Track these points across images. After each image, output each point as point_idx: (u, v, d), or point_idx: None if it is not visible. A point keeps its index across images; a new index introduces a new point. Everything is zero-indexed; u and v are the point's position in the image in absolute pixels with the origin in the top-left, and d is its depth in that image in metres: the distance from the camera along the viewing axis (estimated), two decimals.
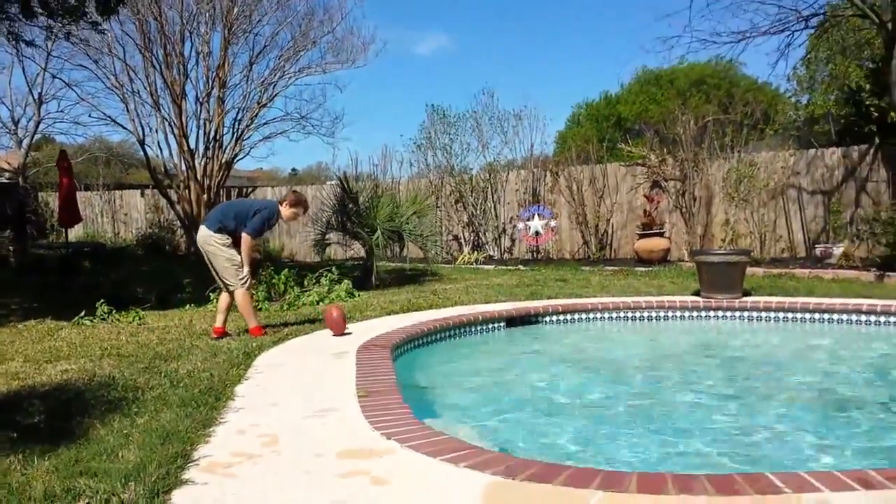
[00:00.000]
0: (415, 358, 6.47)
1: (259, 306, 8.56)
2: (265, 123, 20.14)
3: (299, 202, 7.14)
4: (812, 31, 13.84)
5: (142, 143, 18.71)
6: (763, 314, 7.98)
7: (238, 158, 19.75)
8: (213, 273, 6.87)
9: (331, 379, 5.02)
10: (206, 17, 17.92)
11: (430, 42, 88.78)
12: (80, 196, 19.48)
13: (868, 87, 14.09)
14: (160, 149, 18.56)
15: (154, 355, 5.98)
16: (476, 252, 16.38)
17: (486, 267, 14.49)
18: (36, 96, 22.69)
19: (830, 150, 13.28)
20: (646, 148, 14.99)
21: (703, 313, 8.16)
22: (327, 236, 11.82)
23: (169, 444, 3.57)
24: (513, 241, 16.59)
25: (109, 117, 19.66)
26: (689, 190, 13.92)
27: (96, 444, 3.61)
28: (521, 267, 13.95)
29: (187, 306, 9.17)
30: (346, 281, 9.97)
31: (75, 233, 20.15)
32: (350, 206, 11.37)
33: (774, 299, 8.19)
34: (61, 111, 23.73)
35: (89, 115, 25.27)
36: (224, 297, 6.92)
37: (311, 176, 40.51)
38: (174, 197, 18.68)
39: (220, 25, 17.92)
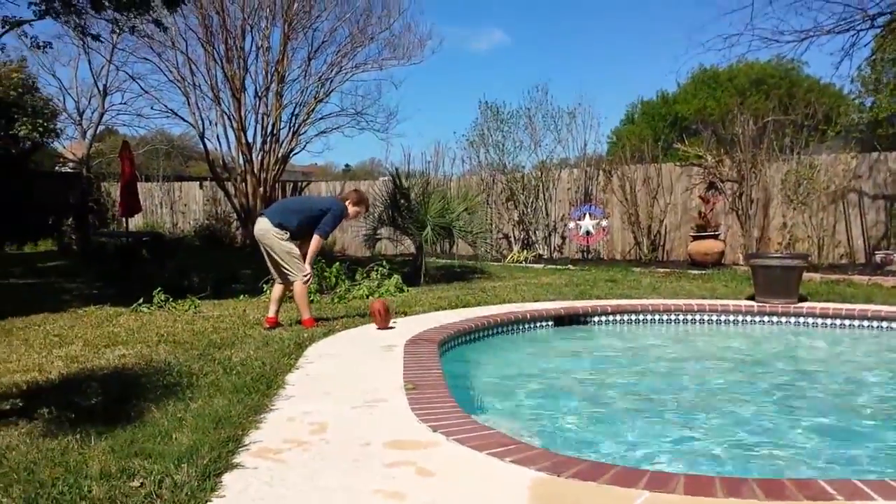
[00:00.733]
0: (462, 353, 6.49)
1: (311, 299, 8.68)
2: (321, 118, 20.45)
3: (362, 200, 7.29)
4: (879, 30, 13.41)
5: (201, 135, 19.15)
6: (819, 320, 7.79)
7: (294, 153, 20.08)
8: (270, 264, 6.97)
9: (379, 371, 5.08)
10: (267, 13, 18.25)
11: (486, 39, 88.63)
12: (141, 187, 19.99)
13: None
14: (219, 142, 19.03)
15: (208, 343, 6.13)
16: (525, 251, 16.30)
17: (536, 266, 14.43)
18: (101, 88, 23.33)
19: (894, 154, 12.87)
20: (702, 148, 14.73)
21: (757, 318, 8.00)
22: (378, 231, 11.91)
23: (221, 428, 3.66)
24: (563, 240, 16.48)
25: (171, 110, 20.21)
26: (746, 192, 13.63)
27: (151, 427, 3.72)
28: (570, 266, 13.86)
29: (241, 297, 9.35)
30: (395, 276, 10.04)
31: (135, 222, 20.67)
32: (401, 201, 11.43)
33: (831, 306, 7.98)
34: (124, 103, 24.46)
35: (151, 108, 25.99)
36: (277, 287, 7.03)
37: (364, 171, 40.84)
38: (231, 190, 19.05)
39: (281, 20, 18.22)
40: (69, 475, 3.03)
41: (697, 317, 8.10)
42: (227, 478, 3.03)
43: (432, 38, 25.73)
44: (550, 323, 7.77)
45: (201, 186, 22.50)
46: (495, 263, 14.83)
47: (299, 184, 21.66)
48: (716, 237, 13.62)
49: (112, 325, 7.31)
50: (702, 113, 26.16)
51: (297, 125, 19.24)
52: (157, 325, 7.17)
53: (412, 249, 12.26)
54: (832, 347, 7.36)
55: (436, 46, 31.97)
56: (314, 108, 19.51)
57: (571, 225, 15.77)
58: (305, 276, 6.84)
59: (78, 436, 3.57)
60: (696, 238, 13.75)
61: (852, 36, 12.80)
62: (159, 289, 8.55)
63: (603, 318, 8.04)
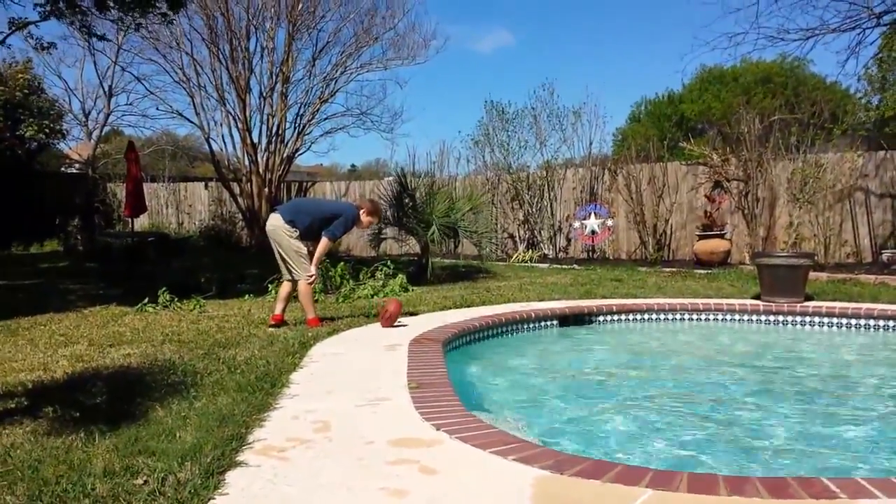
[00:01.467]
0: (466, 352, 6.50)
1: (315, 298, 8.68)
2: (326, 119, 20.47)
3: (376, 211, 7.39)
4: (885, 28, 13.36)
5: (207, 136, 19.18)
6: (825, 319, 7.76)
7: (299, 153, 20.10)
8: (279, 261, 7.02)
9: (383, 370, 5.08)
10: (272, 13, 18.28)
11: (491, 39, 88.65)
12: (147, 187, 20.01)
13: None
14: (224, 143, 19.04)
15: (213, 342, 6.14)
16: (531, 250, 16.29)
17: (541, 265, 14.42)
18: (106, 89, 23.39)
19: None
20: (708, 147, 14.69)
21: (763, 317, 7.98)
22: (383, 231, 11.91)
23: (225, 427, 3.67)
24: (568, 240, 16.46)
25: (176, 111, 20.25)
26: (752, 191, 13.60)
27: (155, 425, 3.72)
28: (576, 266, 13.84)
29: (246, 296, 9.36)
30: (400, 275, 10.04)
31: (141, 223, 20.74)
32: (407, 201, 11.44)
33: (837, 305, 7.96)
34: (130, 104, 24.46)
35: (157, 109, 25.91)
36: (285, 286, 7.09)
37: (370, 172, 40.88)
38: (237, 190, 19.08)
39: (285, 21, 18.24)
40: (73, 473, 3.04)
41: (703, 316, 8.08)
42: (230, 475, 3.03)
43: (437, 38, 25.64)
44: (555, 322, 7.76)
45: (206, 187, 22.54)
46: (500, 263, 14.83)
47: (304, 184, 21.70)
48: (722, 236, 13.59)
49: (117, 324, 7.33)
50: (707, 113, 26.12)
51: (302, 126, 19.26)
52: (162, 325, 7.18)
53: (417, 249, 12.26)
54: (838, 346, 7.33)
55: (440, 46, 31.85)
56: (319, 109, 19.55)
57: (577, 224, 15.76)
58: (309, 276, 6.88)
59: (82, 434, 3.57)
60: (701, 237, 13.72)
61: (858, 34, 12.78)
62: (164, 289, 8.57)
63: (609, 318, 8.02)
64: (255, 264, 12.61)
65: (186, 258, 14.64)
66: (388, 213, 11.72)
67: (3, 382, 4.76)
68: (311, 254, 7.00)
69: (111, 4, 10.21)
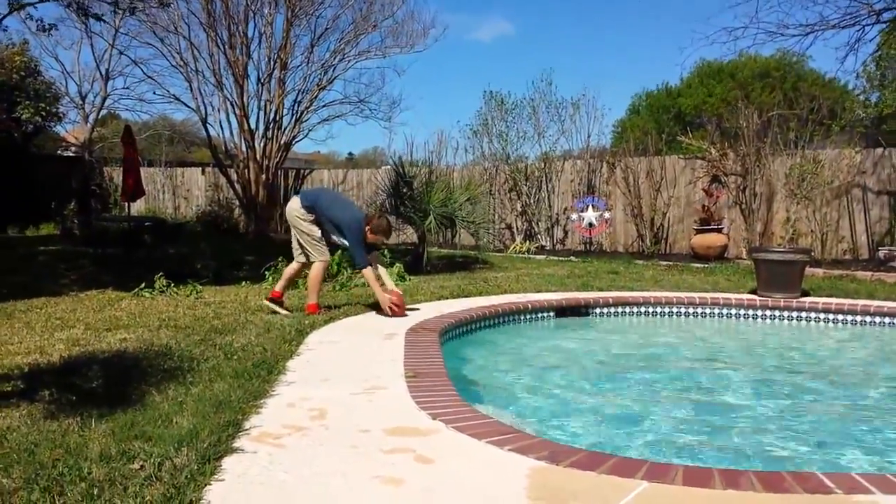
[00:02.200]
0: (463, 342, 6.51)
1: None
2: (324, 106, 20.34)
3: (382, 231, 7.04)
4: (884, 25, 13.35)
5: (204, 121, 19.07)
6: (821, 315, 7.79)
7: (297, 140, 20.00)
8: (294, 242, 7.17)
9: (379, 359, 5.08)
10: None
11: (490, 28, 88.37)
12: (143, 172, 19.93)
13: None
14: (221, 128, 18.88)
15: (210, 328, 6.13)
16: (528, 242, 16.30)
17: (538, 257, 14.42)
18: (103, 72, 23.22)
19: None
20: (706, 141, 14.70)
21: (759, 312, 8.00)
22: None
23: (221, 413, 3.67)
24: (566, 231, 16.47)
25: (173, 95, 20.07)
26: (750, 185, 13.61)
27: (151, 410, 3.73)
28: (573, 258, 13.85)
29: (243, 283, 9.35)
30: (397, 265, 10.02)
31: (137, 207, 20.66)
32: (404, 190, 11.41)
33: (833, 300, 7.98)
34: (127, 88, 24.19)
35: (154, 93, 25.68)
36: (293, 265, 7.25)
37: (367, 160, 40.80)
38: (234, 176, 19.01)
39: (284, 7, 18.11)
40: (69, 457, 3.04)
41: (699, 310, 8.09)
42: (226, 461, 3.04)
43: (436, 27, 25.52)
44: (552, 313, 7.77)
45: (203, 172, 22.47)
46: (497, 254, 14.83)
47: (302, 171, 21.64)
48: (719, 231, 13.60)
49: (113, 309, 7.32)
50: (705, 106, 26.09)
51: (299, 112, 19.16)
52: (158, 310, 7.18)
53: (414, 238, 12.24)
54: (834, 342, 7.36)
55: (439, 35, 31.56)
56: (317, 96, 19.43)
57: (574, 216, 15.76)
58: (323, 258, 7.06)
59: (78, 418, 3.58)
60: (699, 231, 13.73)
61: (858, 31, 12.76)
62: (161, 274, 8.55)
63: (605, 310, 8.03)
64: (252, 251, 12.61)
65: (183, 243, 14.58)
66: (386, 201, 11.70)
67: (0, 365, 4.76)
68: (326, 240, 7.09)
69: None
